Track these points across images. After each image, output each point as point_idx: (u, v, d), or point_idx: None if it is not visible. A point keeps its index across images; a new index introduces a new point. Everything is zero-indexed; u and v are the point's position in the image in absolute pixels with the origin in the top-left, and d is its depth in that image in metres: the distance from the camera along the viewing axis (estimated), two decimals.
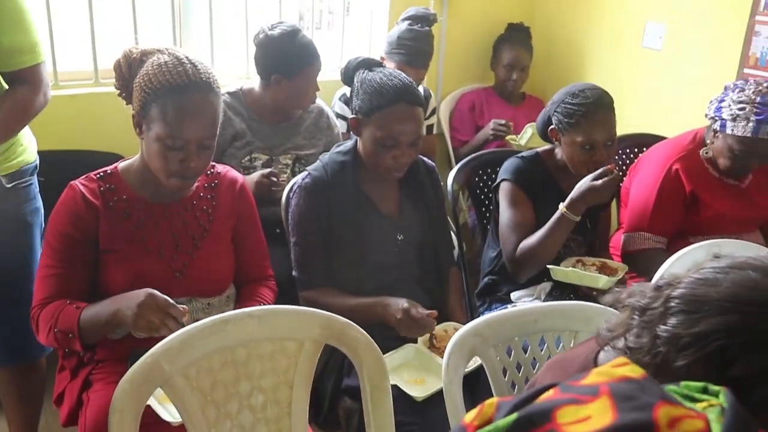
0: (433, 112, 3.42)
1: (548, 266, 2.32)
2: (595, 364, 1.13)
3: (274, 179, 2.45)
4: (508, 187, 2.39)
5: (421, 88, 3.32)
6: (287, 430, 1.55)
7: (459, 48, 3.78)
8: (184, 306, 1.65)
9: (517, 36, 3.65)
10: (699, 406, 0.79)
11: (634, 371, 0.82)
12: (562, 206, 2.24)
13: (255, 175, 2.49)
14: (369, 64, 2.13)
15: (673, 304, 0.97)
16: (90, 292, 1.82)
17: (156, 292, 1.63)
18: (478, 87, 3.73)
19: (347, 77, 2.16)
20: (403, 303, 1.95)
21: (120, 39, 3.02)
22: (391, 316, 1.97)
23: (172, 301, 1.62)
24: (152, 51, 1.79)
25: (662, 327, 0.96)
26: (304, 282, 2.14)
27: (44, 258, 1.81)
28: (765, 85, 2.39)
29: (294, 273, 2.16)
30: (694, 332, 0.92)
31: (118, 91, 1.88)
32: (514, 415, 0.77)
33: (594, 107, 2.28)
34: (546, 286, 2.44)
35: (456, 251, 2.59)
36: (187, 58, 1.74)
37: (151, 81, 1.70)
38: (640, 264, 2.53)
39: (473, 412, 0.85)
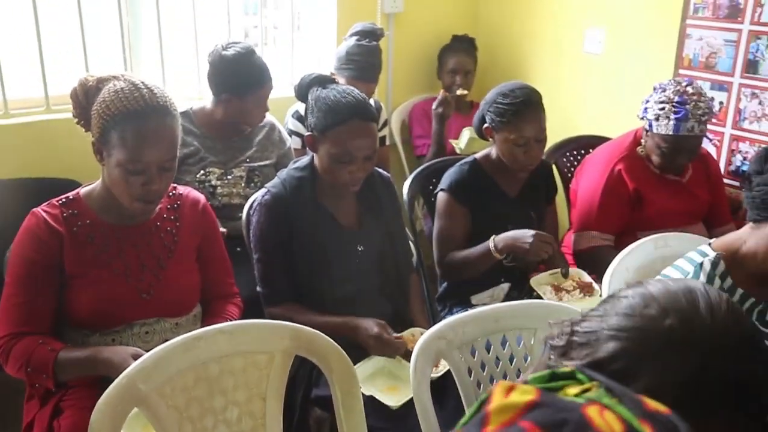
0: (385, 123, 3.49)
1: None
2: None
3: None
4: (444, 197, 2.51)
5: (371, 101, 3.39)
6: None
7: (407, 60, 3.87)
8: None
9: (460, 44, 3.75)
10: (567, 393, 0.84)
11: (526, 392, 0.81)
12: (492, 242, 2.35)
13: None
14: (322, 81, 2.17)
15: (575, 338, 1.00)
16: (55, 317, 1.83)
17: (137, 351, 1.69)
18: (428, 97, 3.82)
19: (301, 94, 2.21)
20: (373, 328, 2.01)
21: (70, 65, 3.02)
22: (362, 340, 2.02)
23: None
24: (108, 78, 1.81)
25: (567, 358, 0.99)
26: (268, 297, 2.17)
27: (8, 287, 1.81)
28: (684, 84, 2.53)
29: (258, 289, 2.19)
30: (589, 363, 0.95)
31: (77, 120, 1.89)
32: None
33: (523, 105, 2.39)
34: (504, 287, 2.53)
35: (415, 258, 2.66)
36: (143, 83, 1.77)
37: (108, 108, 1.73)
38: (590, 261, 2.63)
39: None
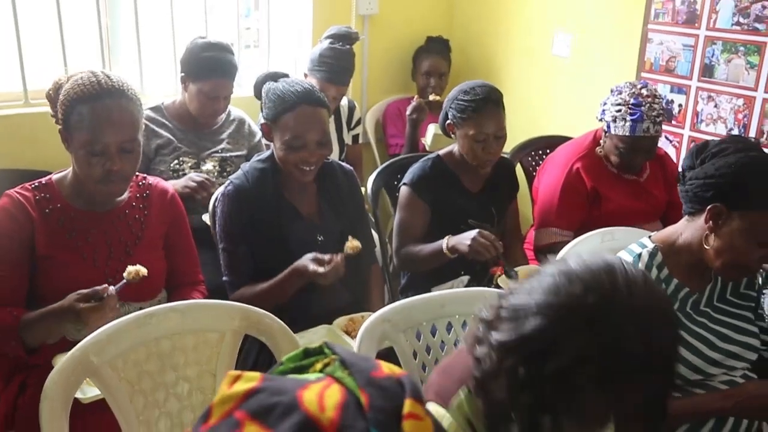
0: (359, 122, 3.58)
1: None
2: None
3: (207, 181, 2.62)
4: (406, 191, 2.60)
5: (345, 100, 3.49)
6: None
7: (381, 61, 3.96)
8: (104, 286, 1.78)
9: (434, 46, 3.85)
10: (316, 368, 0.88)
11: (250, 379, 0.84)
12: (445, 242, 2.42)
13: (178, 185, 2.63)
14: (274, 77, 2.29)
15: (502, 312, 1.07)
16: (27, 299, 1.90)
17: (79, 303, 1.75)
18: (402, 97, 3.91)
19: (257, 91, 2.32)
20: (308, 257, 2.10)
21: (49, 60, 3.10)
22: (306, 274, 2.08)
23: (90, 291, 1.77)
24: (77, 74, 1.91)
25: (493, 334, 1.06)
26: (234, 284, 2.25)
27: None
28: (639, 86, 2.62)
29: (224, 278, 2.27)
30: (517, 337, 1.03)
31: (54, 118, 1.97)
32: None
33: (483, 103, 2.48)
34: (464, 279, 2.61)
35: (378, 250, 2.75)
36: (102, 72, 1.88)
37: (68, 94, 1.84)
38: (550, 257, 2.71)
39: None
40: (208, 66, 2.77)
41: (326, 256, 2.08)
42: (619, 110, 2.61)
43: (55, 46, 3.04)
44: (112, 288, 1.78)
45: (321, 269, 2.05)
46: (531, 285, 1.07)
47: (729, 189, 1.71)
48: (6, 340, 1.81)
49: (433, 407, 1.10)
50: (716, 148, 1.78)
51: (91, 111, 1.82)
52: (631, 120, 2.57)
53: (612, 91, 2.69)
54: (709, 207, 1.73)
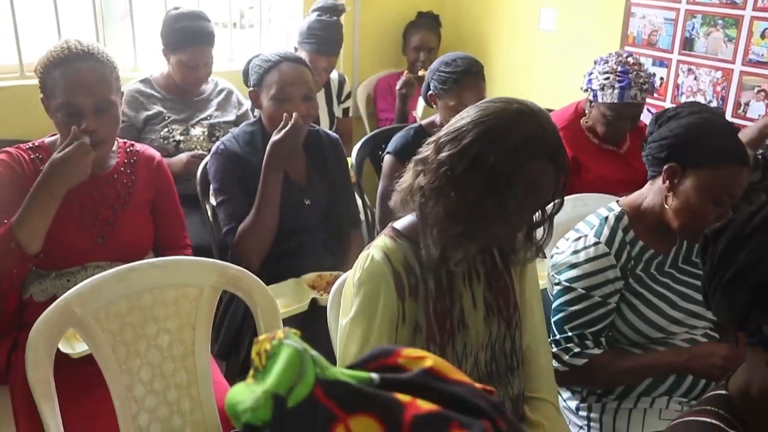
0: (349, 95, 3.65)
1: None
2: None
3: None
4: (389, 159, 2.67)
5: (335, 74, 3.55)
6: (192, 366, 1.76)
7: (372, 36, 4.02)
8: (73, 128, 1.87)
9: (424, 21, 3.91)
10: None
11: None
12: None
13: (183, 157, 2.73)
14: (259, 56, 2.39)
15: (442, 140, 1.42)
16: None
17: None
18: (392, 72, 3.97)
19: (245, 75, 2.41)
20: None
21: (44, 33, 3.18)
22: (272, 154, 2.20)
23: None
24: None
25: (439, 156, 1.41)
26: (235, 230, 2.28)
27: None
28: (624, 55, 2.68)
29: (225, 229, 2.31)
30: (461, 147, 1.39)
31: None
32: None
33: (464, 74, 2.54)
34: None
35: (362, 216, 2.83)
36: (75, 39, 1.96)
37: (42, 62, 1.93)
38: None
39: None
40: (183, 36, 2.87)
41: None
42: (607, 78, 2.65)
43: (50, 19, 3.12)
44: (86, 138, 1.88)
45: (278, 135, 2.17)
46: (460, 117, 1.43)
47: (681, 148, 1.78)
48: (6, 246, 1.83)
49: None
50: (672, 112, 1.85)
51: (63, 74, 1.90)
52: (620, 87, 2.62)
53: (596, 61, 2.73)
54: (665, 168, 1.80)
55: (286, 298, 2.13)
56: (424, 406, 0.58)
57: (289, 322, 1.99)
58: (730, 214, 1.78)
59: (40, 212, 1.86)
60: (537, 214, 1.51)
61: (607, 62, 2.67)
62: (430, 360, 0.64)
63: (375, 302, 1.46)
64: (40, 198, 1.86)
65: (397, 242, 1.51)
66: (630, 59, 2.67)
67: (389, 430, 0.57)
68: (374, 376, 0.62)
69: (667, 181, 1.81)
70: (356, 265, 1.53)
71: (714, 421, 1.08)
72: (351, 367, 0.64)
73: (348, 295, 1.53)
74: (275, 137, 2.18)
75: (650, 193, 1.90)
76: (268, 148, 2.20)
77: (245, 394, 0.59)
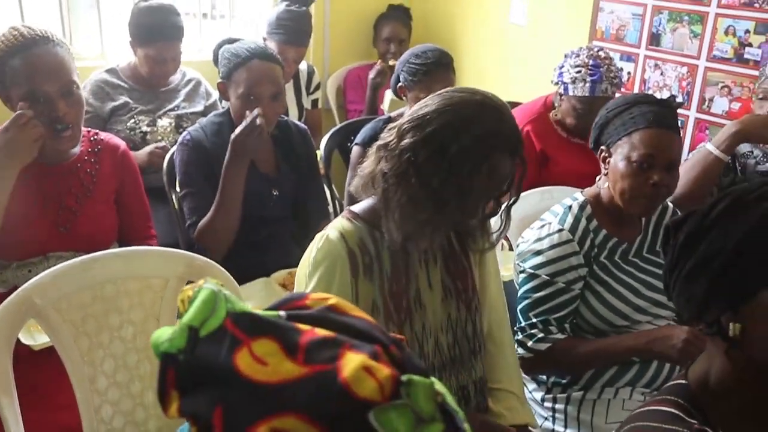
0: (318, 87, 3.63)
1: None
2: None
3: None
4: (357, 151, 2.66)
5: (304, 65, 3.53)
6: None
7: (343, 27, 4.01)
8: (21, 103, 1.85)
9: (395, 13, 3.91)
10: None
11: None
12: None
13: (147, 148, 2.69)
14: (231, 41, 2.35)
15: (405, 126, 1.45)
16: None
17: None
18: (363, 64, 3.96)
19: (215, 57, 2.37)
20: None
21: (7, 23, 3.10)
22: (235, 143, 2.16)
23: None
24: None
25: (402, 143, 1.43)
26: (197, 223, 2.26)
27: None
28: (596, 49, 2.70)
29: (189, 221, 2.29)
30: (424, 135, 1.41)
31: None
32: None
33: (434, 66, 2.55)
34: None
35: (330, 207, 2.82)
36: (23, 24, 1.92)
37: None
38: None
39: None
40: (151, 31, 2.82)
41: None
42: (579, 71, 2.67)
43: (14, 10, 3.06)
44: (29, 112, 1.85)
45: (236, 132, 2.14)
46: (423, 105, 1.46)
47: (601, 131, 1.93)
48: None
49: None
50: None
51: (23, 62, 1.86)
52: (591, 80, 2.64)
53: (567, 55, 2.75)
54: (599, 153, 1.94)
55: (256, 300, 2.09)
56: (321, 332, 0.65)
57: None
58: (674, 181, 1.87)
59: None
60: (491, 203, 1.55)
61: (578, 56, 2.69)
62: (334, 299, 0.70)
63: (330, 281, 1.49)
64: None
65: (354, 223, 1.53)
66: (601, 53, 2.69)
67: (287, 350, 0.62)
68: (281, 313, 0.68)
69: (603, 164, 1.93)
70: (311, 246, 1.55)
71: (673, 410, 1.10)
72: (268, 309, 0.70)
73: (302, 276, 1.55)
74: (234, 134, 2.16)
75: (604, 181, 1.95)
76: (229, 144, 2.18)
77: (165, 332, 0.66)
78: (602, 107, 2.00)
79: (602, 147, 1.94)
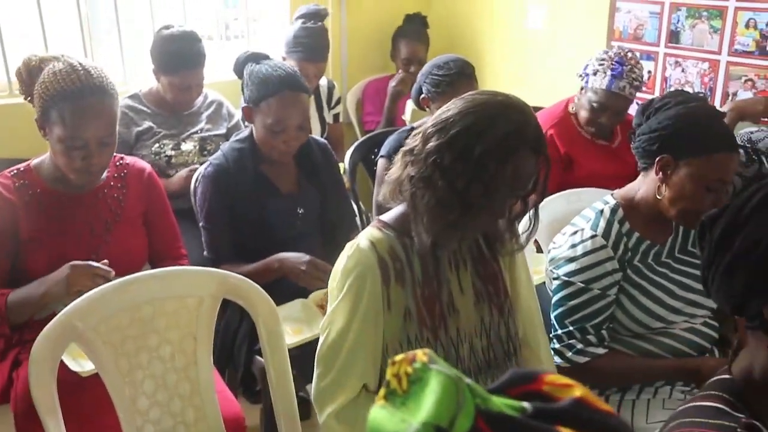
0: (338, 101, 3.65)
1: None
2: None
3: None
4: (383, 163, 2.66)
5: (324, 80, 3.56)
6: (195, 376, 1.76)
7: (360, 40, 4.02)
8: (105, 261, 1.84)
9: (412, 30, 3.87)
10: None
11: None
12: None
13: (182, 173, 2.77)
14: (256, 58, 2.34)
15: (429, 131, 1.46)
16: (9, 279, 1.97)
17: (76, 261, 1.82)
18: (381, 76, 3.97)
19: (237, 70, 2.37)
20: (304, 256, 2.17)
21: (30, 49, 3.15)
22: (293, 268, 2.16)
23: (93, 263, 1.82)
24: (49, 59, 1.96)
25: (427, 147, 1.44)
26: (214, 262, 2.31)
27: None
28: (626, 50, 2.70)
29: (205, 254, 2.35)
30: (448, 137, 1.43)
31: (24, 96, 2.03)
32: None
33: (457, 76, 2.56)
34: None
35: (358, 221, 2.83)
36: (80, 64, 1.92)
37: (47, 89, 1.88)
38: None
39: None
40: (174, 60, 2.84)
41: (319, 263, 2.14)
42: (602, 64, 2.67)
43: (37, 36, 3.11)
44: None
45: (302, 267, 2.13)
46: (446, 109, 1.48)
47: (672, 140, 1.80)
48: None
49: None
50: (659, 103, 1.87)
51: (72, 110, 1.86)
52: (611, 74, 2.64)
53: (598, 53, 2.76)
54: (657, 159, 1.82)
55: (296, 323, 2.09)
56: None
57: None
58: (727, 197, 1.82)
59: (31, 306, 1.89)
60: (518, 204, 1.55)
61: (607, 53, 2.70)
62: (579, 389, 0.60)
63: (361, 289, 1.50)
64: (41, 301, 1.87)
65: (383, 232, 1.55)
66: (629, 54, 2.69)
67: None
68: (526, 405, 0.58)
69: (660, 173, 1.83)
70: (342, 255, 1.56)
71: (719, 405, 1.09)
72: (493, 391, 0.61)
73: (333, 287, 1.56)
74: (310, 261, 2.15)
75: (643, 184, 1.92)
76: (277, 260, 2.20)
77: (392, 421, 0.55)
78: (660, 109, 1.86)
79: (665, 156, 1.81)
